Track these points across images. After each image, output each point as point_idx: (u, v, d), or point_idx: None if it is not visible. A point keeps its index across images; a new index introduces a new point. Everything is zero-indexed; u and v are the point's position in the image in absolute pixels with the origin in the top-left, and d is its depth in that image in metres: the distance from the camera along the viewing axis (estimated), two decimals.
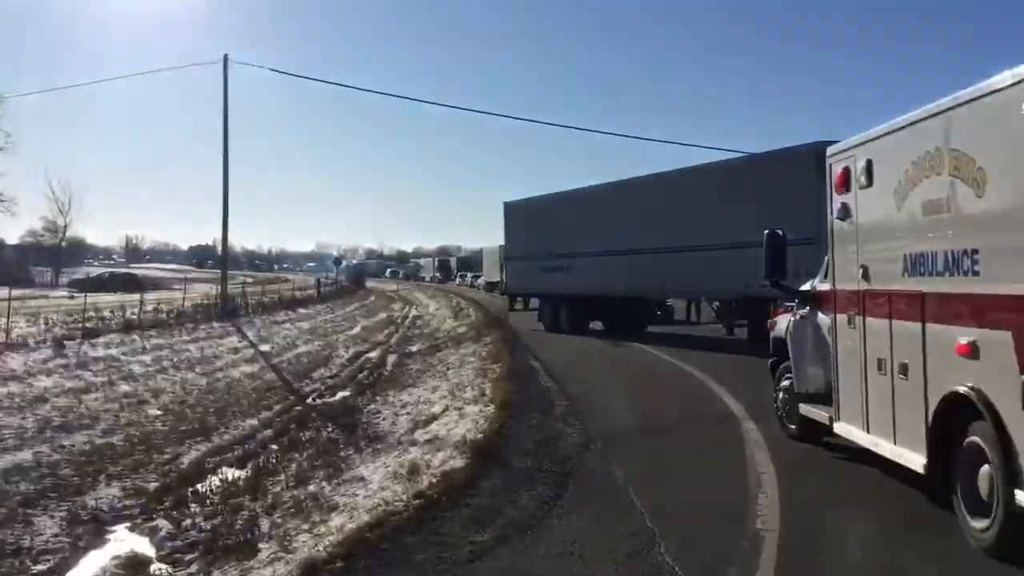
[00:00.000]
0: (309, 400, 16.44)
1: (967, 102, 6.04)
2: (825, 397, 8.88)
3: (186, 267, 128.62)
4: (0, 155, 52.67)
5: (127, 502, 9.32)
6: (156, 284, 72.00)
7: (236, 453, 11.71)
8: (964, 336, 5.94)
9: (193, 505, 9.06)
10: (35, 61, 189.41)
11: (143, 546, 7.93)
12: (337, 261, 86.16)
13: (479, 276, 71.70)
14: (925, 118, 6.66)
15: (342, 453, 10.92)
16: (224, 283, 42.70)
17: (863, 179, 7.83)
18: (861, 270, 7.85)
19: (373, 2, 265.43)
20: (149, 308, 37.27)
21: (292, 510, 8.30)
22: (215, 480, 10.17)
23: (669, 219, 22.81)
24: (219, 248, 51.84)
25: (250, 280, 75.10)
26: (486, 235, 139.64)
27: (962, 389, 5.90)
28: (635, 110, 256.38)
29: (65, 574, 7.33)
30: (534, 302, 33.19)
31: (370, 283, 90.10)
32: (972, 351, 5.84)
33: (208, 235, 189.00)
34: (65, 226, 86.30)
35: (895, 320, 7.11)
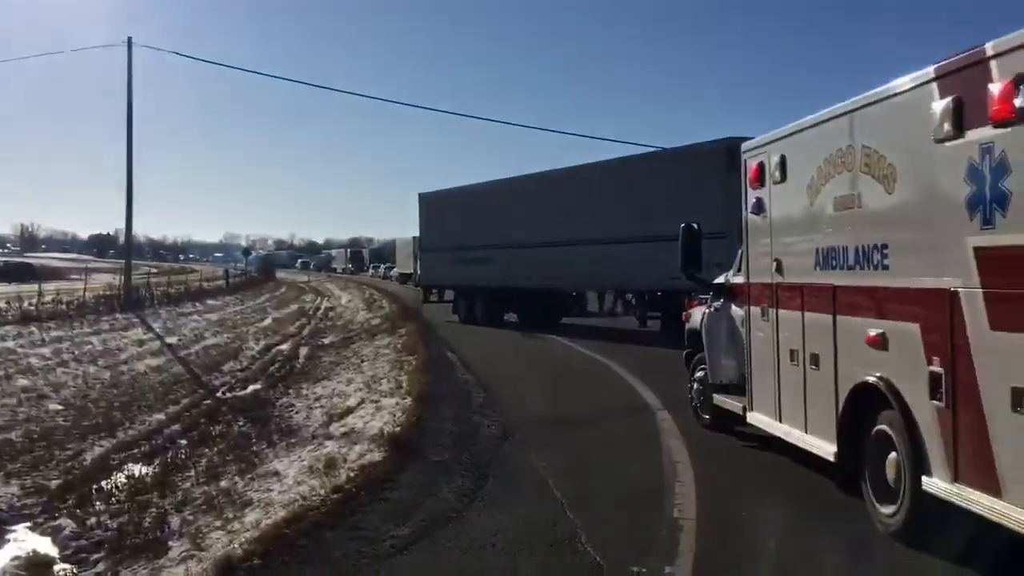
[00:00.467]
0: (219, 394, 15.94)
1: (876, 101, 6.24)
2: (739, 388, 9.09)
3: (86, 257, 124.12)
4: None
5: (27, 500, 8.88)
6: (54, 274, 68.88)
7: (143, 449, 11.29)
8: (873, 328, 6.14)
9: (98, 503, 8.68)
10: None
11: (45, 546, 7.55)
12: (246, 252, 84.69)
13: (393, 267, 71.18)
14: (837, 116, 6.84)
15: (255, 448, 10.64)
16: (128, 273, 41.46)
17: (777, 174, 8.01)
18: (775, 263, 8.03)
19: None
20: (48, 299, 35.85)
21: (204, 507, 8.06)
22: (121, 477, 9.78)
23: (583, 212, 22.98)
24: (121, 237, 50.42)
25: (155, 270, 73.06)
26: (399, 226, 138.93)
27: (871, 379, 6.10)
28: (551, 105, 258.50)
29: None
30: (449, 294, 33.12)
31: (281, 274, 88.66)
32: (881, 342, 6.03)
33: (110, 224, 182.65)
34: None
35: (807, 312, 7.30)
